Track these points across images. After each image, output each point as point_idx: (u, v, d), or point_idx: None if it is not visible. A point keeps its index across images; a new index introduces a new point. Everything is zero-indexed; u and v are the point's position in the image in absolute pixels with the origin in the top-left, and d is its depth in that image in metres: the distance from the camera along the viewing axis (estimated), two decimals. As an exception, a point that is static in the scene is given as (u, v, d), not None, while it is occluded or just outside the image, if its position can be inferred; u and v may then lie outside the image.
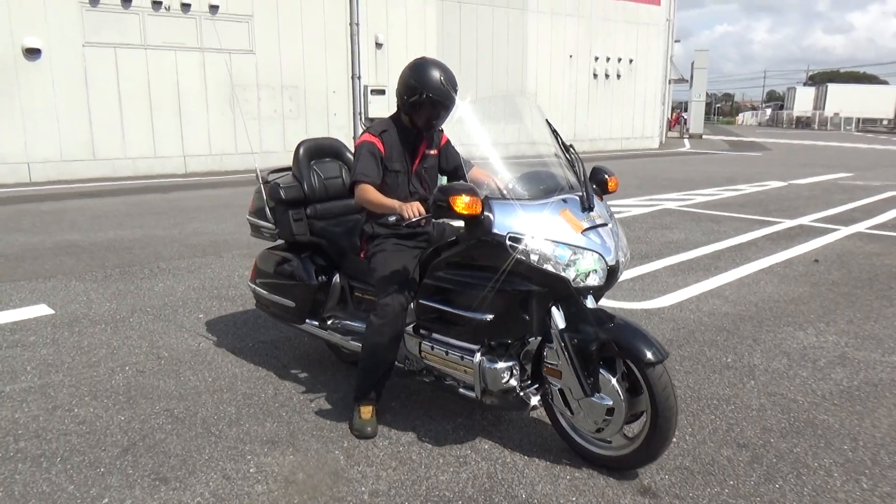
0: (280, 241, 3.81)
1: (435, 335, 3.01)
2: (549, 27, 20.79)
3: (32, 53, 12.53)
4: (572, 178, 2.81)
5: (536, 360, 2.86)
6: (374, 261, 3.13)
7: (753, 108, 73.29)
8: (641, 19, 23.72)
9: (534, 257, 2.57)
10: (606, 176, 2.97)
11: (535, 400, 2.84)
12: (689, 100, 32.50)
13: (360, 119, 16.35)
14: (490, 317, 2.71)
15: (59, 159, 13.03)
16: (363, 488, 2.64)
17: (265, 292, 3.75)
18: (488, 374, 2.79)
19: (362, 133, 3.18)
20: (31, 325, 4.51)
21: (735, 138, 30.77)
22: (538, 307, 2.69)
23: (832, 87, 52.71)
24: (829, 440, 3.03)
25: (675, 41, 28.16)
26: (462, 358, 2.86)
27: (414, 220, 2.76)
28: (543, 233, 2.59)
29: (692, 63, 31.38)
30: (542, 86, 20.58)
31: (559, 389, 2.74)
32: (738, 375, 3.76)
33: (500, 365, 2.78)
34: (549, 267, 2.56)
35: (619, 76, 23.29)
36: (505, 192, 2.71)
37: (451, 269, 2.86)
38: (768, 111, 63.81)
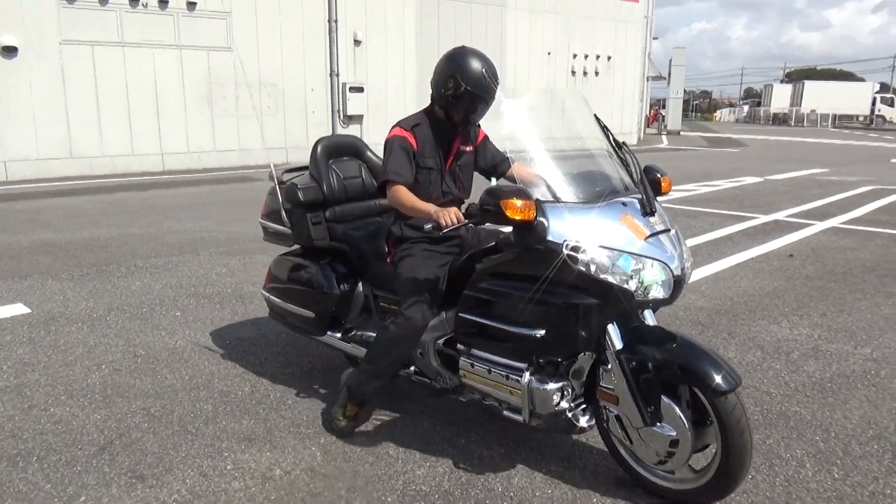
0: (296, 246, 3.57)
1: (475, 351, 2.75)
2: (527, 24, 20.85)
3: (9, 52, 12.33)
4: (627, 179, 2.61)
5: (589, 379, 2.61)
6: (400, 266, 2.92)
7: (731, 105, 73.97)
8: (620, 16, 23.86)
9: (593, 267, 2.32)
10: (659, 175, 2.69)
11: (584, 421, 2.60)
12: (667, 97, 32.74)
13: (339, 117, 16.29)
14: (541, 333, 2.45)
15: (36, 157, 12.84)
16: (340, 483, 2.65)
17: (280, 301, 3.49)
18: (537, 395, 2.53)
19: (393, 127, 2.97)
20: (7, 324, 4.46)
21: (712, 135, 31.07)
22: (595, 323, 2.43)
23: (809, 84, 53.36)
24: (802, 431, 3.08)
25: (654, 38, 28.34)
26: (507, 377, 2.60)
27: (452, 227, 2.56)
28: (603, 240, 2.35)
29: (670, 60, 31.62)
30: (521, 83, 20.63)
31: (616, 416, 2.50)
32: (712, 368, 3.81)
33: (551, 386, 2.52)
34: (609, 278, 2.32)
35: (597, 73, 23.42)
36: (557, 194, 2.47)
37: (496, 280, 2.61)
38: (745, 108, 64.43)
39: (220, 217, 8.45)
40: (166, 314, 4.70)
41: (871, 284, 5.63)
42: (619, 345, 2.42)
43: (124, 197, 10.49)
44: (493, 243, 2.74)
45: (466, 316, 2.71)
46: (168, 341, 4.17)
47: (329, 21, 16.02)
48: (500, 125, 2.62)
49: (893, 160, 19.04)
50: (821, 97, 49.78)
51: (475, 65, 2.83)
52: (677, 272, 2.41)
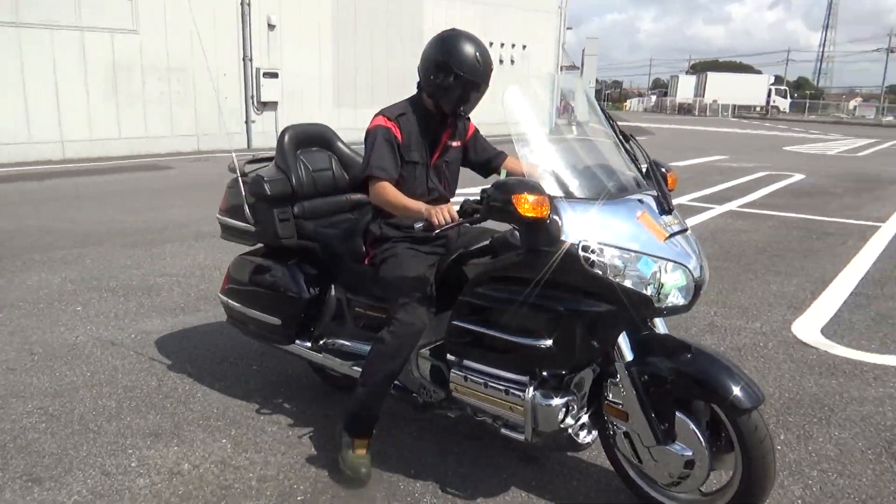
0: (259, 245, 3.26)
1: (468, 362, 2.49)
2: (444, 11, 20.86)
3: None
4: (637, 174, 2.41)
5: (592, 392, 2.45)
6: (383, 268, 2.67)
7: (640, 95, 76.58)
8: (534, 6, 24.23)
9: (610, 271, 2.10)
10: (664, 170, 2.43)
11: (585, 437, 2.41)
12: (575, 88, 33.49)
13: (253, 103, 15.87)
14: (548, 343, 2.21)
15: (-83, 145, 11.92)
16: (251, 474, 2.63)
17: (241, 306, 3.16)
18: (541, 411, 2.30)
19: (376, 115, 2.71)
20: None
21: (623, 123, 31.50)
22: (609, 332, 2.23)
23: (711, 76, 55.99)
24: (696, 402, 3.26)
25: (567, 28, 28.95)
26: (507, 392, 2.36)
27: (445, 227, 2.34)
28: (621, 241, 2.13)
29: (583, 50, 32.39)
30: (439, 71, 20.67)
31: (625, 433, 2.33)
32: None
33: (556, 401, 2.29)
34: (627, 283, 2.10)
35: (513, 62, 23.74)
36: (569, 189, 2.24)
37: (497, 285, 2.35)
38: (653, 98, 66.94)
39: (125, 206, 8.08)
40: (66, 309, 4.48)
41: (762, 264, 6.00)
42: (629, 356, 2.24)
43: (21, 187, 9.88)
44: (487, 243, 2.57)
45: (461, 324, 2.44)
46: (68, 337, 3.99)
47: (241, 3, 15.54)
48: (503, 115, 2.37)
49: (786, 148, 20.28)
50: (722, 88, 52.36)
51: (468, 49, 2.59)
52: (697, 277, 2.20)
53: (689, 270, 2.17)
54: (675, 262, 2.15)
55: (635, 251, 2.12)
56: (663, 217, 2.26)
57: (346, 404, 2.70)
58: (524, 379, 2.34)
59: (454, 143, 2.85)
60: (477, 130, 2.97)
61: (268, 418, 3.06)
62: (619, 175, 2.38)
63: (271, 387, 3.39)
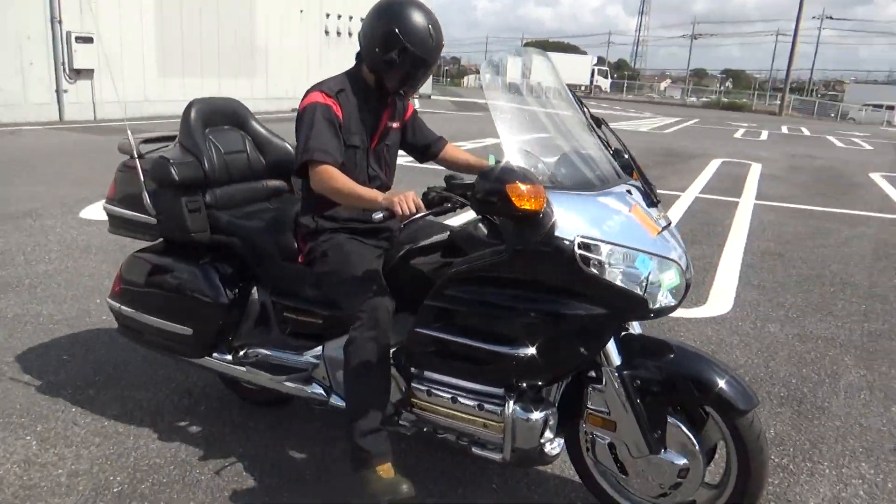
0: (158, 241, 2.84)
1: (430, 373, 2.24)
2: (277, -20, 20.11)
3: None
4: (614, 163, 2.22)
5: (562, 401, 2.25)
6: (324, 263, 2.40)
7: (477, 72, 78.69)
8: (370, -21, 24.00)
9: (607, 270, 1.91)
10: (627, 157, 2.28)
11: (557, 449, 2.20)
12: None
13: (64, 70, 14.42)
14: (530, 352, 2.00)
15: None
16: (60, 471, 2.49)
17: (138, 314, 2.74)
18: (521, 427, 2.09)
19: (311, 91, 2.41)
20: None
21: (461, 99, 32.84)
22: (599, 337, 2.03)
23: (537, 56, 58.62)
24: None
25: (404, 3, 28.99)
26: (480, 407, 2.14)
27: (413, 218, 2.09)
28: (616, 236, 1.95)
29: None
30: (273, 43, 19.94)
31: (609, 444, 2.16)
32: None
33: (536, 415, 2.09)
34: (623, 283, 1.93)
35: (350, 34, 23.43)
36: (556, 179, 2.04)
37: (472, 287, 2.08)
38: (488, 76, 68.85)
39: None
40: None
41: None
42: (617, 360, 2.08)
43: None
44: (442, 238, 2.32)
45: (427, 332, 2.16)
46: None
47: (44, -41, 13.98)
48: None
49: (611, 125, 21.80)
50: (549, 68, 54.99)
51: (420, 20, 2.31)
52: (688, 275, 2.06)
53: (681, 268, 2.03)
54: (669, 259, 2.01)
55: (632, 248, 1.95)
56: (650, 210, 2.11)
57: (344, 438, 2.37)
58: (499, 392, 2.13)
59: (394, 125, 2.59)
60: (416, 111, 2.75)
61: (80, 410, 2.89)
62: (600, 164, 2.19)
63: (84, 377, 3.19)
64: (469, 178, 2.12)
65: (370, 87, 2.48)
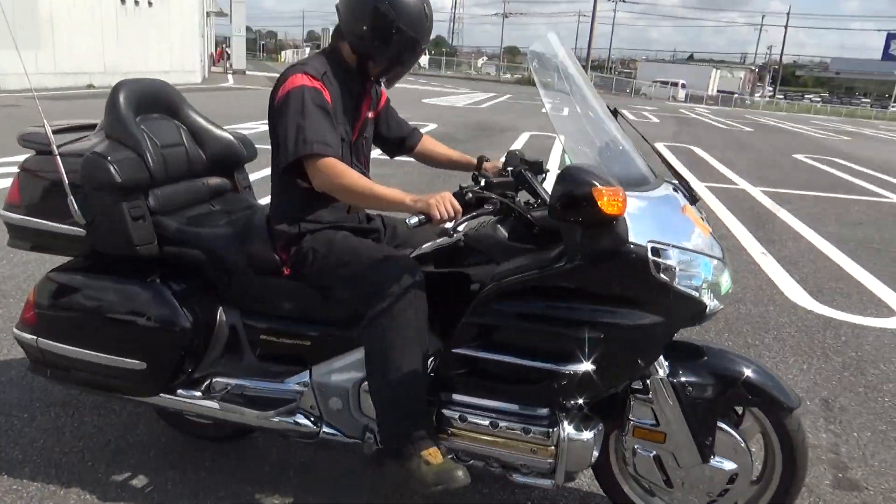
0: (75, 257, 2.37)
1: (460, 397, 2.03)
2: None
3: None
4: (641, 158, 2.06)
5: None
6: (318, 262, 2.06)
7: (296, 47, 76.57)
8: (170, -55, 22.43)
9: (677, 275, 1.79)
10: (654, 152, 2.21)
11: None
12: (231, 34, 32.39)
13: None
14: (585, 367, 1.84)
15: None
16: None
17: (66, 348, 2.23)
18: (574, 449, 1.94)
19: (293, 71, 2.06)
20: None
21: (277, 75, 31.87)
22: (658, 346, 1.92)
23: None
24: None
25: (210, -28, 27.49)
26: (525, 430, 1.95)
27: (459, 222, 1.87)
28: (679, 239, 1.83)
29: (230, -4, 31.17)
30: (61, 14, 18.05)
31: (654, 456, 2.03)
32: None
33: (587, 435, 1.96)
34: (686, 289, 1.81)
35: (150, 4, 21.82)
36: (617, 176, 1.84)
37: (517, 301, 1.90)
38: (307, 50, 67.49)
39: None
40: None
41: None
42: (665, 369, 1.97)
43: None
44: (452, 242, 2.04)
45: (466, 352, 1.96)
46: None
47: None
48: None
49: (425, 100, 22.35)
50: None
51: None
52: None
53: (730, 270, 1.96)
54: (723, 261, 1.92)
55: (696, 251, 1.85)
56: (694, 208, 2.00)
57: (378, 433, 2.09)
58: (544, 412, 1.98)
59: (370, 115, 2.29)
60: (388, 100, 2.44)
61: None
62: (636, 159, 2.03)
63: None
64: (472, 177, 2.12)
65: (351, 70, 2.16)
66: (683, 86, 50.27)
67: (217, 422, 2.32)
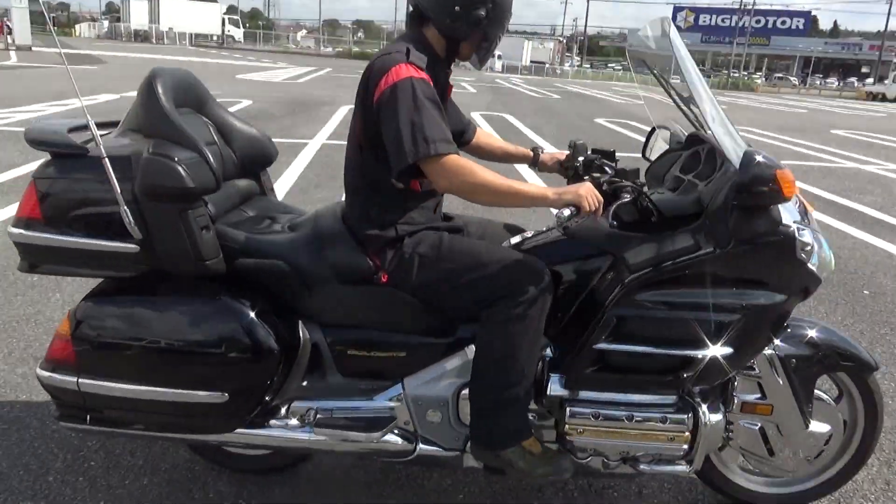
0: (109, 279, 2.00)
1: (588, 394, 1.99)
2: None
3: None
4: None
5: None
6: (424, 266, 1.92)
7: (93, 20, 69.83)
8: None
9: (811, 255, 1.89)
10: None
11: None
12: (10, 5, 28.79)
13: None
14: (724, 350, 1.89)
15: None
16: None
17: (126, 386, 1.90)
18: (709, 431, 1.99)
19: (393, 61, 1.84)
20: None
21: (71, 51, 28.98)
22: (780, 324, 2.00)
23: (164, 2, 54.42)
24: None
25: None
26: (663, 419, 1.95)
27: (593, 215, 1.86)
28: (806, 218, 1.94)
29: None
30: None
31: (760, 429, 2.12)
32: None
33: (719, 416, 2.01)
34: (812, 266, 1.90)
35: None
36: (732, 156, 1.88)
37: (658, 290, 1.91)
38: (106, 24, 61.88)
39: None
40: None
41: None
42: (775, 342, 2.06)
43: None
44: (551, 234, 2.02)
45: (607, 346, 1.93)
46: None
47: None
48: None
49: (238, 76, 21.45)
50: (177, 16, 51.57)
51: None
52: None
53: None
54: (823, 238, 2.00)
55: (816, 230, 1.96)
56: None
57: (474, 430, 2.00)
58: (672, 399, 1.99)
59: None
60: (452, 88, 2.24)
61: None
62: (734, 134, 2.04)
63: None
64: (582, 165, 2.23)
65: (438, 56, 1.99)
66: (500, 57, 52.26)
67: (286, 451, 2.16)
